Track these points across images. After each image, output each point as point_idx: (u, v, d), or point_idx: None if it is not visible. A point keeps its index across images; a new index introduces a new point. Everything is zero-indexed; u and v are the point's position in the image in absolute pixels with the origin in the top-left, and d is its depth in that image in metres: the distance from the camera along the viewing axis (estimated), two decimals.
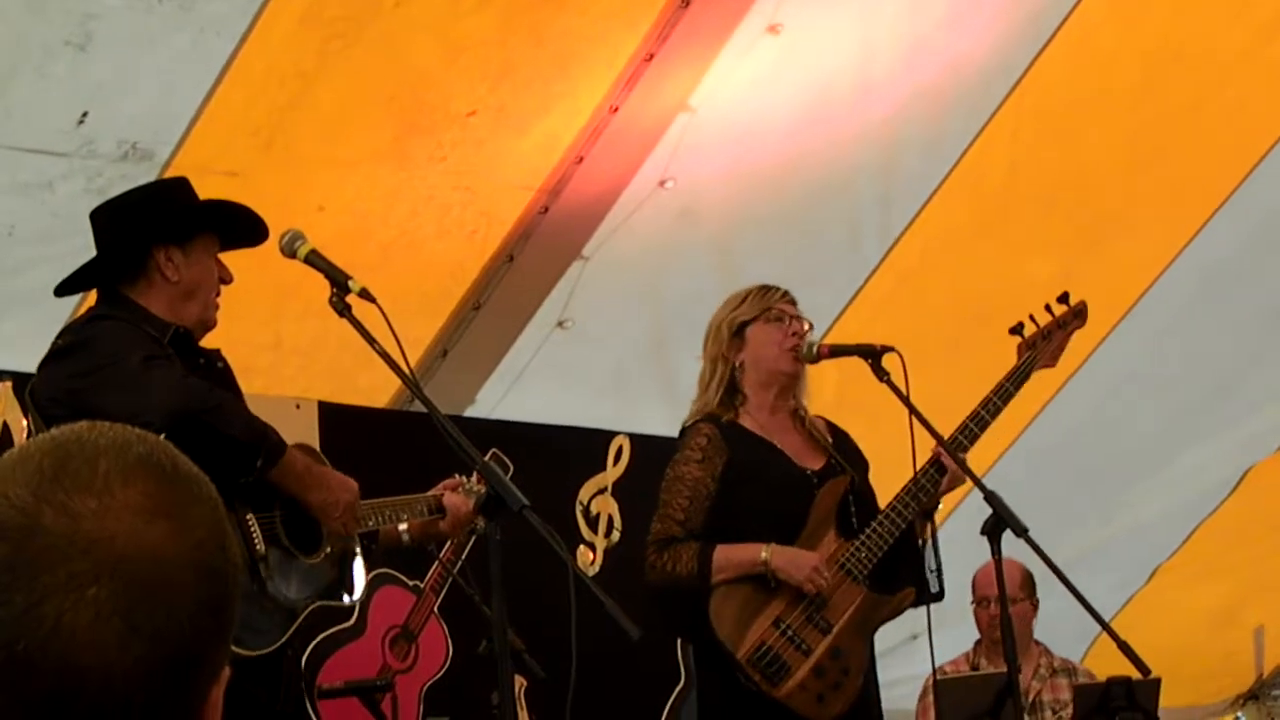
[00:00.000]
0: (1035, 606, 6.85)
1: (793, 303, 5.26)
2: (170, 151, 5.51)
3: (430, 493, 4.66)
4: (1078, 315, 5.45)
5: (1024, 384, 5.31)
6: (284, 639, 4.12)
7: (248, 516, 4.09)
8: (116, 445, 1.29)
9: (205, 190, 4.50)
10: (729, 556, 4.95)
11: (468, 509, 4.60)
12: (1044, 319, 5.42)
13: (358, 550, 4.43)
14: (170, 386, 3.93)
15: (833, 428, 5.40)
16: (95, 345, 4.06)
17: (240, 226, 4.40)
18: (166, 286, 4.24)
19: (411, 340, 6.05)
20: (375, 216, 6.21)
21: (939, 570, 5.18)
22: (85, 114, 5.33)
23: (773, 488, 5.10)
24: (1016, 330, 5.42)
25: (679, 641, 6.84)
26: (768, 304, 5.21)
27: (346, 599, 4.47)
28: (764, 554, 4.95)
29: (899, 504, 5.09)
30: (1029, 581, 6.76)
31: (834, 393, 6.77)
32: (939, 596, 5.19)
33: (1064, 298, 5.44)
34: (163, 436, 1.33)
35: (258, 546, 4.09)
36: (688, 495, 5.05)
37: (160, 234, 4.26)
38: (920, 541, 5.17)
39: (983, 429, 5.20)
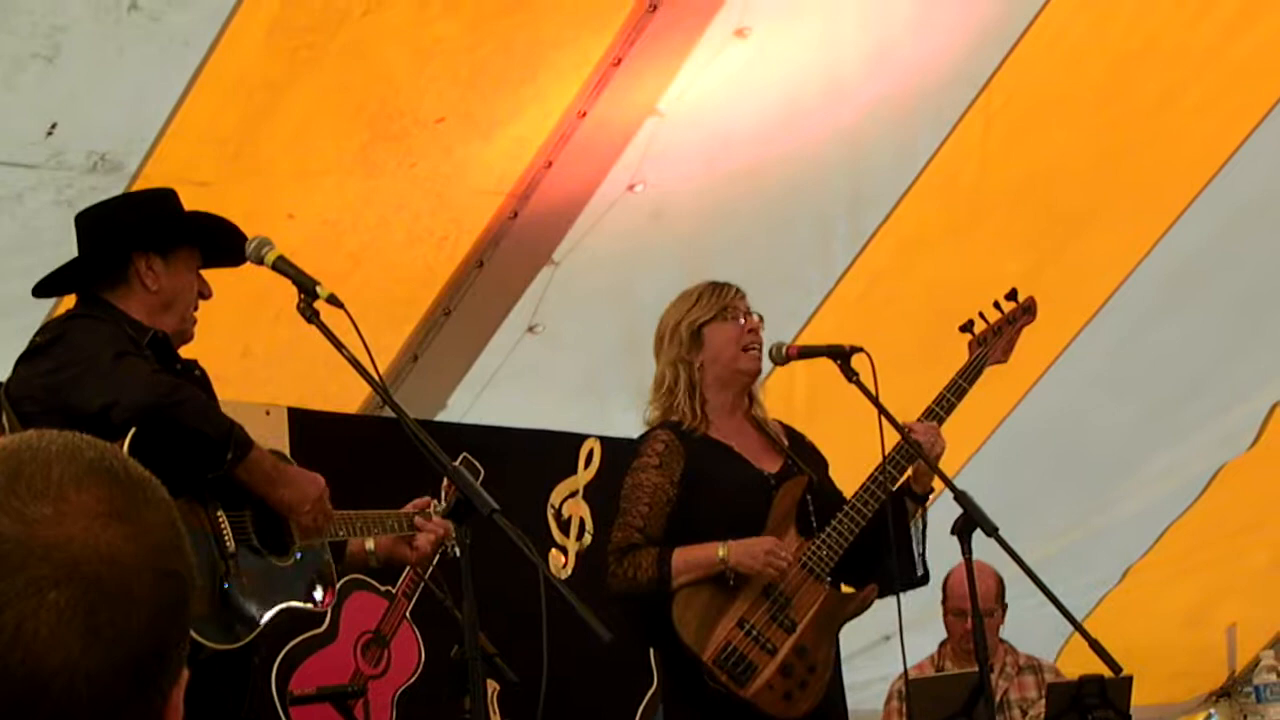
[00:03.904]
0: (1004, 611, 6.86)
1: (744, 298, 5.24)
2: (139, 162, 5.50)
3: (401, 511, 4.66)
4: (1027, 311, 5.47)
5: (977, 380, 5.31)
6: (250, 638, 4.10)
7: (219, 514, 4.07)
8: (67, 451, 1.30)
9: None
10: (688, 558, 4.94)
11: (435, 538, 4.63)
12: (994, 315, 5.44)
13: (328, 557, 4.43)
14: (140, 381, 3.92)
15: (788, 430, 5.39)
16: (70, 342, 4.06)
17: (223, 243, 4.37)
18: (145, 295, 4.25)
19: (382, 346, 6.06)
20: (345, 224, 6.21)
21: (924, 554, 5.19)
22: (54, 125, 5.32)
23: (730, 491, 5.08)
24: (966, 328, 5.43)
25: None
26: (724, 303, 5.18)
27: (314, 603, 4.45)
28: (721, 551, 4.92)
29: (859, 501, 5.07)
30: (1002, 590, 6.76)
31: (804, 395, 6.79)
32: (924, 579, 5.21)
33: (1012, 294, 5.46)
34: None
35: (228, 544, 4.07)
36: (647, 501, 5.03)
37: (142, 241, 4.27)
38: (912, 525, 5.16)
39: (938, 425, 5.19)
